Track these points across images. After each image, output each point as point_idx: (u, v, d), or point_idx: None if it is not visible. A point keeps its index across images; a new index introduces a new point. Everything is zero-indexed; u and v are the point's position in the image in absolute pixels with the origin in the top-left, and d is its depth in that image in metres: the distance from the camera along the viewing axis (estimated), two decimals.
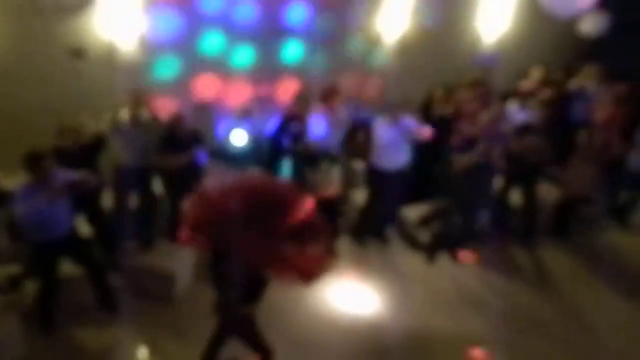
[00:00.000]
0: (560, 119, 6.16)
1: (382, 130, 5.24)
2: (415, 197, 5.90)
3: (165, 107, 5.06)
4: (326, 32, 5.77)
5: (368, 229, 5.68)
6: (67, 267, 4.24)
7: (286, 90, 5.86)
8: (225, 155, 5.09)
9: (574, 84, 6.55)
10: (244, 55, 5.59)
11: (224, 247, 3.10)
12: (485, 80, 6.13)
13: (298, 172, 5.40)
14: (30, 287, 4.37)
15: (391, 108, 5.23)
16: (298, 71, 5.81)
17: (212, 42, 5.38)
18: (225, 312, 3.44)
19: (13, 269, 4.51)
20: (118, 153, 4.72)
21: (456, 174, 5.04)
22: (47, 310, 4.17)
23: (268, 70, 5.70)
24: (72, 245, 4.12)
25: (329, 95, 5.44)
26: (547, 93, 6.25)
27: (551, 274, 5.40)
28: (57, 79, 4.87)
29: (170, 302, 4.58)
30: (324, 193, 4.84)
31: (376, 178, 5.39)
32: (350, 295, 4.81)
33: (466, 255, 5.45)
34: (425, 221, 5.80)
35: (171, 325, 4.34)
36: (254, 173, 4.59)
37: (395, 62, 6.16)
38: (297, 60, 5.79)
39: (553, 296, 5.07)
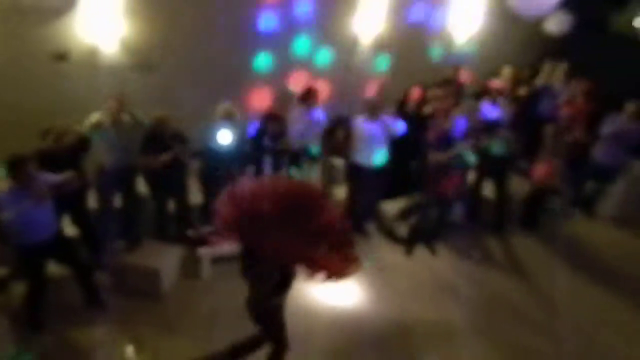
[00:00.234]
0: (528, 115, 6.36)
1: (362, 127, 5.40)
2: (393, 192, 6.06)
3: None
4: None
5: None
6: (56, 268, 4.26)
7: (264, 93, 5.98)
8: (209, 155, 5.16)
9: (540, 81, 6.82)
10: None
11: (254, 247, 3.13)
12: (456, 79, 6.37)
13: (279, 170, 5.53)
14: (19, 289, 4.36)
15: (371, 106, 5.36)
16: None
17: None
18: (256, 306, 3.48)
19: (0, 271, 4.51)
20: (101, 154, 4.75)
21: (431, 170, 5.24)
22: (35, 311, 4.18)
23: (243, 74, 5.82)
24: (58, 246, 4.13)
25: (307, 95, 5.58)
26: (522, 91, 6.48)
27: (523, 262, 5.58)
28: (41, 82, 4.86)
29: (158, 299, 4.62)
30: None
31: (355, 174, 5.53)
32: (332, 288, 4.89)
33: None
34: (403, 215, 5.96)
35: (159, 322, 4.39)
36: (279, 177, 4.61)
37: (373, 62, 6.33)
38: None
39: (525, 283, 5.24)
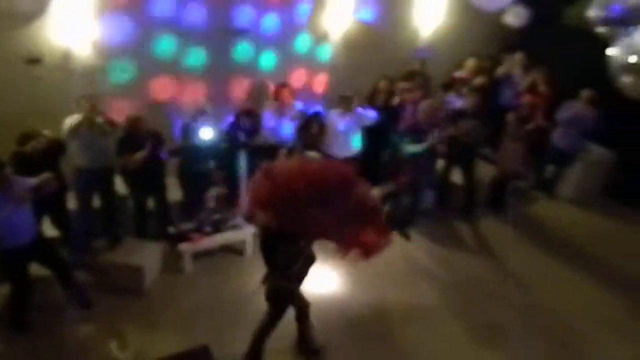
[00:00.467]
0: (491, 104, 6.62)
1: (336, 120, 5.58)
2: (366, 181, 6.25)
3: (122, 110, 5.16)
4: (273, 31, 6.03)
5: None
6: (40, 268, 4.26)
7: (238, 88, 6.07)
8: (187, 152, 5.25)
9: (501, 71, 7.13)
10: (197, 57, 5.75)
11: (289, 226, 3.18)
12: (422, 72, 6.60)
13: (255, 165, 5.62)
14: (3, 290, 4.35)
15: (344, 99, 5.55)
16: (249, 69, 6.04)
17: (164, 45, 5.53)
18: (278, 289, 3.59)
19: None
20: (76, 156, 4.78)
21: (403, 159, 5.46)
22: (20, 312, 4.19)
23: (220, 69, 5.90)
24: (39, 249, 4.12)
25: (280, 91, 5.71)
26: (480, 80, 6.77)
27: (492, 244, 5.83)
28: (14, 86, 4.84)
29: (141, 295, 4.68)
30: None
31: None
32: (311, 274, 5.04)
33: None
34: None
35: (143, 317, 4.44)
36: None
37: (341, 58, 6.50)
38: (247, 59, 6.02)
39: (496, 262, 5.47)
